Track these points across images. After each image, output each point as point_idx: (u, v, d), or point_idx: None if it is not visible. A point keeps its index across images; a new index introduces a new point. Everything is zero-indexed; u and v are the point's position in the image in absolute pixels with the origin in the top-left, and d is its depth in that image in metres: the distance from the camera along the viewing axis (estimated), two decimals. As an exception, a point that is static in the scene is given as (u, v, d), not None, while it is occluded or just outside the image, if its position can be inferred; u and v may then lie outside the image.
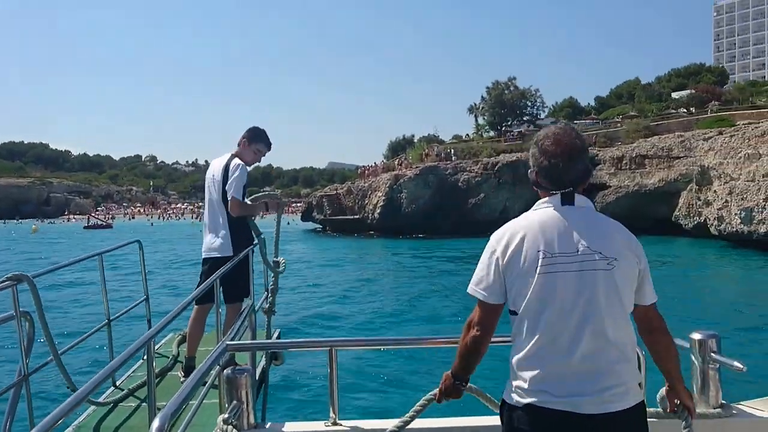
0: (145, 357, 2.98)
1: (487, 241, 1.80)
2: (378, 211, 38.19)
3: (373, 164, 45.41)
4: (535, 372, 1.66)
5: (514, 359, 1.72)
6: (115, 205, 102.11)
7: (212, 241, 4.13)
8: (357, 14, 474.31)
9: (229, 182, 4.02)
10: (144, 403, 3.57)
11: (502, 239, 1.73)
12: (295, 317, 11.68)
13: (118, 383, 4.06)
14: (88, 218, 64.06)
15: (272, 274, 4.29)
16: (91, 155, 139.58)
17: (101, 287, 4.19)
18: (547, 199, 1.76)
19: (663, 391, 2.02)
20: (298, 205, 65.58)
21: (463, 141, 46.47)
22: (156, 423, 1.44)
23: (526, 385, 1.67)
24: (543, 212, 1.73)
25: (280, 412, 6.12)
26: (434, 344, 2.75)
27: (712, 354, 2.33)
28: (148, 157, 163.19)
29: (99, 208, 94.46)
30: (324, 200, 43.67)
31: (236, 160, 4.13)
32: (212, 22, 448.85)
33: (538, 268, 1.65)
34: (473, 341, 1.80)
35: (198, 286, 3.78)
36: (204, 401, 2.79)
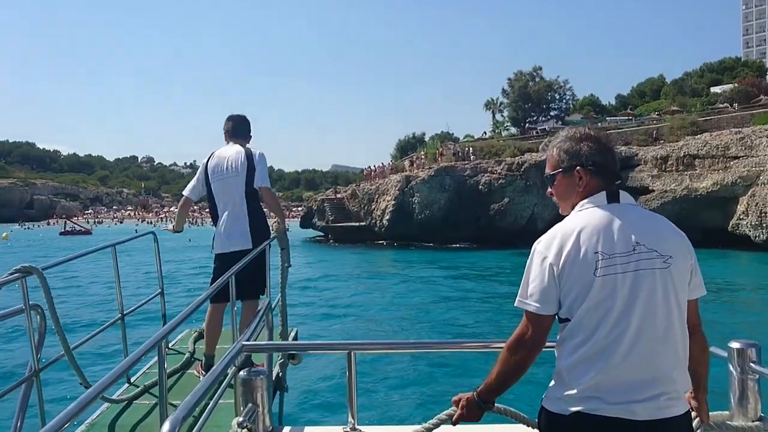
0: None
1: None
2: (387, 217, 33.69)
3: (381, 164, 40.76)
4: (588, 378, 1.56)
5: (563, 365, 1.62)
6: (105, 209, 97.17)
7: (232, 233, 3.97)
8: (360, 7, 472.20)
9: (259, 172, 4.00)
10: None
11: (552, 244, 1.62)
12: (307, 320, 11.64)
13: (132, 380, 3.90)
14: (65, 223, 59.43)
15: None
16: (81, 155, 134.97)
17: (115, 280, 4.03)
18: (590, 199, 1.67)
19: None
20: (299, 209, 61.21)
21: (482, 139, 41.74)
22: (166, 427, 1.37)
23: (575, 392, 1.57)
24: (590, 212, 1.64)
25: (295, 415, 5.94)
26: (455, 348, 2.82)
27: (752, 364, 2.22)
28: (145, 158, 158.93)
29: (87, 212, 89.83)
30: (326, 205, 39.13)
31: (258, 150, 4.10)
32: (216, 21, 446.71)
33: (597, 270, 1.56)
34: (525, 359, 1.65)
35: (212, 282, 3.89)
36: (219, 401, 2.58)
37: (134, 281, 18.10)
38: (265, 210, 4.29)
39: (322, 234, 40.54)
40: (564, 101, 46.93)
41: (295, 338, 4.74)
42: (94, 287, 17.39)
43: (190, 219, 79.78)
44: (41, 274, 2.80)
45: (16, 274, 2.67)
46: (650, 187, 31.37)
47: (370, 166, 41.46)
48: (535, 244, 1.67)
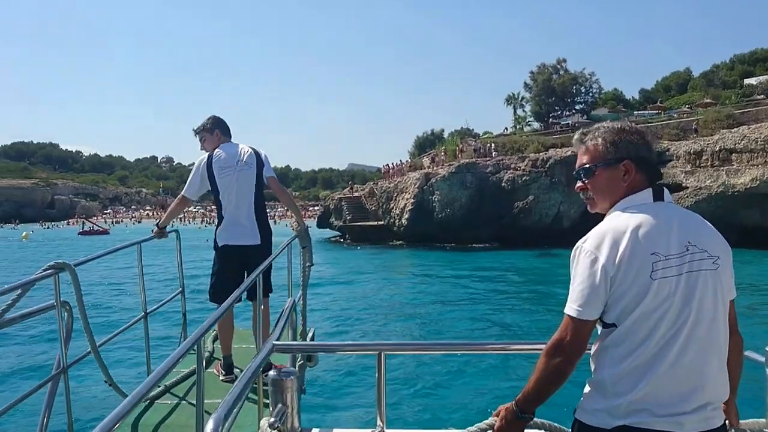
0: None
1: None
2: (406, 216, 32.65)
3: (399, 162, 39.71)
4: (638, 388, 1.47)
5: (607, 374, 1.53)
6: (123, 208, 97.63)
7: (241, 227, 4.01)
8: (375, 4, 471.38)
9: (267, 165, 4.12)
10: (183, 401, 3.55)
11: (603, 245, 1.51)
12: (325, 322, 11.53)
13: None
14: (83, 223, 59.68)
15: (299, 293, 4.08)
16: (102, 156, 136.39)
17: (138, 279, 4.10)
18: (635, 196, 1.59)
19: None
20: (316, 208, 60.52)
21: (504, 135, 40.44)
22: (210, 425, 1.41)
23: (622, 404, 1.48)
24: (637, 211, 1.55)
25: (314, 416, 5.82)
26: (487, 350, 2.67)
27: None
28: (164, 158, 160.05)
29: (106, 212, 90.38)
30: (343, 203, 38.22)
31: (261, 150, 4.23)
32: (232, 18, 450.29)
33: (654, 272, 1.48)
34: (564, 365, 1.53)
35: (216, 282, 3.99)
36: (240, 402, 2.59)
37: (118, 279, 17.79)
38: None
39: (339, 234, 39.64)
40: (590, 94, 44.99)
41: (312, 338, 4.74)
42: (100, 287, 17.20)
43: (208, 219, 79.82)
44: (73, 270, 2.82)
45: (49, 271, 2.67)
46: (683, 184, 29.85)
47: (388, 164, 40.47)
48: (580, 243, 1.55)
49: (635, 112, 40.27)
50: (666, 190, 1.59)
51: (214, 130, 4.20)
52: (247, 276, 3.77)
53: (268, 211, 4.54)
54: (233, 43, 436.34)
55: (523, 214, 31.08)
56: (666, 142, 31.44)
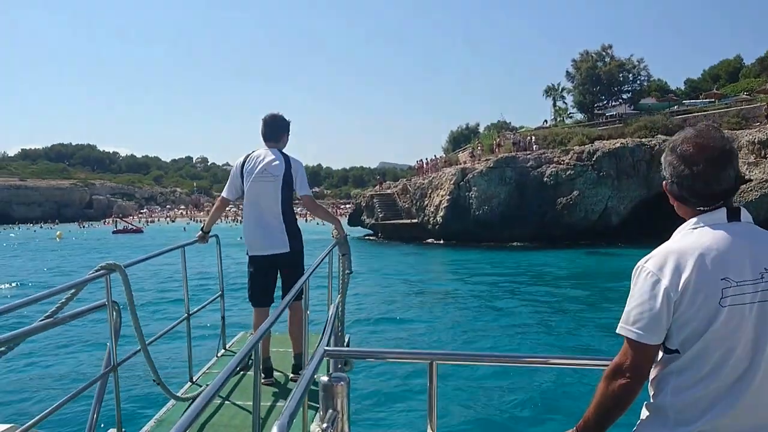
0: (219, 354, 4.25)
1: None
2: (441, 213, 31.09)
3: (434, 156, 38.08)
4: (703, 419, 1.41)
5: (670, 402, 1.46)
6: (158, 208, 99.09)
7: (268, 237, 4.03)
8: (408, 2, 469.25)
9: (299, 181, 4.05)
10: (226, 401, 3.65)
11: (666, 266, 1.43)
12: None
13: (195, 379, 4.13)
14: (116, 222, 60.39)
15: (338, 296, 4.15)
16: (139, 156, 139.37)
17: (182, 280, 4.22)
18: (707, 215, 1.49)
19: None
20: (347, 206, 59.55)
21: (543, 128, 38.24)
22: (275, 431, 1.51)
23: None
24: (709, 231, 1.46)
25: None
26: (549, 364, 2.58)
27: None
28: (199, 159, 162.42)
29: (142, 211, 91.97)
30: (375, 201, 36.86)
31: (294, 157, 4.14)
32: (263, 20, 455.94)
33: (724, 299, 1.40)
34: (624, 391, 1.48)
35: (252, 287, 4.12)
36: (277, 404, 2.95)
37: (154, 280, 16.82)
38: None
39: (371, 232, 38.28)
40: (637, 82, 42.13)
41: (348, 345, 4.66)
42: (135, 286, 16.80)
43: (240, 218, 79.96)
44: (123, 271, 2.93)
45: (101, 271, 2.79)
46: (747, 176, 27.27)
47: (422, 159, 38.90)
48: (641, 262, 1.49)
49: (686, 101, 37.50)
50: (743, 210, 1.47)
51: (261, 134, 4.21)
52: (281, 274, 4.04)
53: (300, 209, 3.85)
54: (267, 44, 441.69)
55: (567, 211, 29.07)
56: (727, 131, 28.87)
